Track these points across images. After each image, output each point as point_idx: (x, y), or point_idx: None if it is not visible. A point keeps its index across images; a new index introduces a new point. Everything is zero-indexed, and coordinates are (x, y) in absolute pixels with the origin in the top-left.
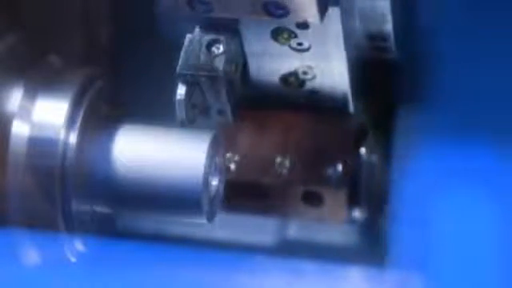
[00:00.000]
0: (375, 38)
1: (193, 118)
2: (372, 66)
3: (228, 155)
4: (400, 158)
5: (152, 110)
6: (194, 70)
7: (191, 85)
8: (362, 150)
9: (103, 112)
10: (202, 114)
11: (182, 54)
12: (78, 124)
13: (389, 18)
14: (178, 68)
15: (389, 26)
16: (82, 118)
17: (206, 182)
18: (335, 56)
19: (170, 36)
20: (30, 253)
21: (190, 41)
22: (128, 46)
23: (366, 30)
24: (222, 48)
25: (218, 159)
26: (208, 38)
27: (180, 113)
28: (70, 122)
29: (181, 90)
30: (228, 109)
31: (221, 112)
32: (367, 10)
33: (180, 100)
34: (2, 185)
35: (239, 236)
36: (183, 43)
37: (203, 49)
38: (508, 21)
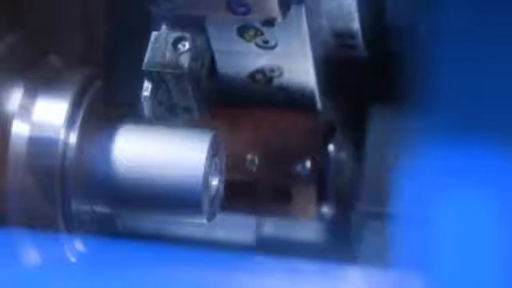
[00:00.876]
0: (342, 36)
1: (159, 116)
2: (340, 63)
3: None
4: (372, 155)
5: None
6: (160, 68)
7: (157, 82)
8: (330, 147)
9: (103, 112)
10: (169, 111)
11: (148, 50)
12: (77, 124)
13: (355, 15)
14: (143, 65)
15: (356, 24)
16: (82, 118)
17: (206, 182)
18: (301, 53)
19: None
20: (30, 253)
21: (156, 38)
22: (128, 46)
23: (333, 27)
24: (187, 45)
25: (218, 159)
26: (174, 35)
27: (146, 110)
28: (70, 122)
29: (146, 87)
30: (194, 106)
31: (187, 109)
32: (334, 7)
33: (145, 97)
34: (2, 185)
35: (213, 233)
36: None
37: (169, 46)
38: (509, 19)
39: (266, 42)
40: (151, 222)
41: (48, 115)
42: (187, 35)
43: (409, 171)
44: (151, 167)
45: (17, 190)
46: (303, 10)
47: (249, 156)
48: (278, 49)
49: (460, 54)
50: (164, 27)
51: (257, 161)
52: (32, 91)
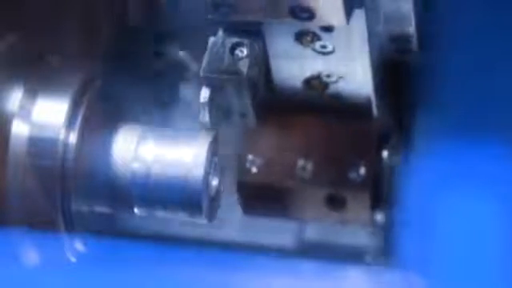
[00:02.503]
0: (398, 40)
1: (216, 122)
2: (393, 67)
3: (250, 158)
4: (419, 159)
5: (152, 110)
6: (218, 73)
7: (215, 88)
8: (385, 153)
9: (103, 112)
10: (225, 117)
11: (206, 56)
12: (77, 124)
13: (412, 19)
14: (201, 71)
15: (412, 28)
16: (82, 117)
17: (206, 182)
18: (359, 58)
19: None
20: (30, 253)
21: (214, 44)
22: (128, 46)
23: (390, 32)
24: (245, 51)
25: (217, 159)
26: (231, 41)
27: (203, 116)
28: (70, 122)
29: (205, 93)
30: (250, 112)
31: (243, 115)
32: (391, 11)
33: (204, 103)
34: (2, 185)
35: (260, 238)
36: (185, 41)
37: (227, 52)
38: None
39: (324, 47)
40: (151, 221)
41: (48, 115)
42: (245, 41)
43: (413, 172)
44: (151, 167)
45: (17, 190)
46: (364, 13)
47: (301, 162)
48: (335, 54)
49: (467, 58)
50: (220, 33)
51: (310, 167)
52: (32, 91)
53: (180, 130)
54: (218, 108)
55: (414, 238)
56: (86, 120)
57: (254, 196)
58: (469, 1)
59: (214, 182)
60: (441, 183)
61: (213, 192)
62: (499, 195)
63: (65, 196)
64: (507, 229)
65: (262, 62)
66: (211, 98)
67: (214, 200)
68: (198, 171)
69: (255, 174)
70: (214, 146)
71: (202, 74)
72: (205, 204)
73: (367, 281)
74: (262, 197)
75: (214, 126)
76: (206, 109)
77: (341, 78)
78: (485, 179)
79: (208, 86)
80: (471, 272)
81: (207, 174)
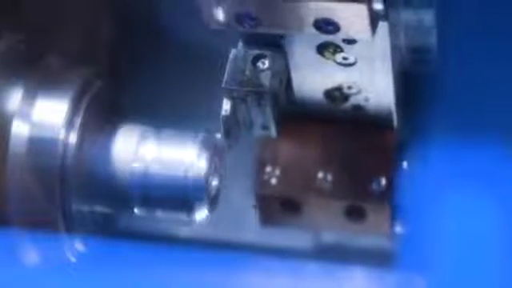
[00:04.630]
0: (419, 51)
1: (237, 134)
2: (413, 78)
3: (269, 169)
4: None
5: (152, 110)
6: (240, 86)
7: (236, 100)
8: (404, 164)
9: (103, 112)
10: (246, 129)
11: (228, 68)
12: (77, 124)
13: (433, 30)
14: (223, 83)
15: (433, 39)
16: (82, 117)
17: (206, 182)
18: (381, 71)
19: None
20: (30, 253)
21: (235, 55)
22: (128, 45)
23: (411, 43)
24: (267, 63)
25: (217, 159)
26: (253, 52)
27: (225, 128)
28: (70, 122)
29: (226, 106)
30: (272, 124)
31: (265, 127)
32: (413, 23)
33: (225, 116)
34: (2, 185)
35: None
36: (187, 43)
37: (248, 64)
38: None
39: (346, 58)
40: (151, 221)
41: (48, 115)
42: (267, 53)
43: (414, 173)
44: (151, 167)
45: (17, 190)
46: (387, 26)
47: (320, 173)
48: (357, 66)
49: (466, 55)
50: (241, 44)
51: (330, 178)
52: (32, 91)
53: (180, 130)
54: (239, 121)
55: (414, 238)
56: (85, 120)
57: (272, 208)
58: (467, 1)
59: (215, 182)
60: (440, 183)
61: (213, 192)
62: (499, 195)
63: (65, 196)
64: (507, 229)
65: (284, 74)
66: (233, 111)
67: (214, 200)
68: (198, 171)
69: (274, 185)
70: (213, 146)
71: (223, 85)
72: (204, 204)
73: (369, 282)
74: (281, 209)
75: (236, 140)
76: (228, 121)
77: (362, 89)
78: (484, 179)
79: (229, 98)
80: (471, 272)
81: (207, 174)
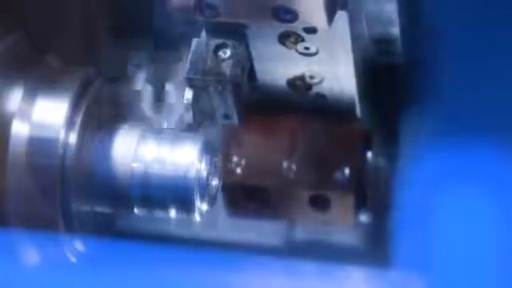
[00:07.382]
0: (382, 42)
1: (200, 122)
2: (377, 69)
3: (234, 159)
4: (406, 160)
5: (152, 109)
6: (202, 75)
7: (198, 89)
8: (369, 154)
9: (103, 112)
10: (209, 117)
11: (190, 58)
12: (77, 124)
13: (396, 21)
14: (185, 72)
15: (396, 30)
16: (82, 117)
17: (206, 182)
18: (343, 60)
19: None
20: (30, 253)
21: (197, 45)
22: (128, 45)
23: (373, 33)
24: (229, 52)
25: (216, 159)
26: (215, 42)
27: (187, 116)
28: (70, 122)
29: (188, 95)
30: (234, 113)
31: (227, 116)
32: (374, 13)
33: (187, 104)
34: (2, 185)
35: (245, 238)
36: (182, 43)
37: (210, 53)
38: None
39: (307, 48)
40: (151, 221)
41: (48, 115)
42: (228, 42)
43: (411, 173)
44: (150, 167)
45: (17, 190)
46: (347, 15)
47: (285, 163)
48: (319, 55)
49: (462, 55)
50: (204, 34)
51: (294, 168)
52: (32, 91)
53: (179, 130)
54: (202, 109)
55: (413, 238)
56: (85, 120)
57: (238, 197)
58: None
59: (214, 182)
60: (439, 183)
61: (213, 192)
62: (499, 195)
63: (65, 196)
64: (506, 229)
65: (246, 63)
66: (195, 99)
67: (214, 200)
68: (198, 171)
69: (239, 174)
70: (212, 146)
71: (185, 75)
72: (203, 203)
73: (366, 281)
74: (247, 198)
75: (199, 127)
76: (190, 110)
77: (324, 79)
78: (484, 179)
79: (191, 87)
80: (471, 272)
81: (207, 174)
